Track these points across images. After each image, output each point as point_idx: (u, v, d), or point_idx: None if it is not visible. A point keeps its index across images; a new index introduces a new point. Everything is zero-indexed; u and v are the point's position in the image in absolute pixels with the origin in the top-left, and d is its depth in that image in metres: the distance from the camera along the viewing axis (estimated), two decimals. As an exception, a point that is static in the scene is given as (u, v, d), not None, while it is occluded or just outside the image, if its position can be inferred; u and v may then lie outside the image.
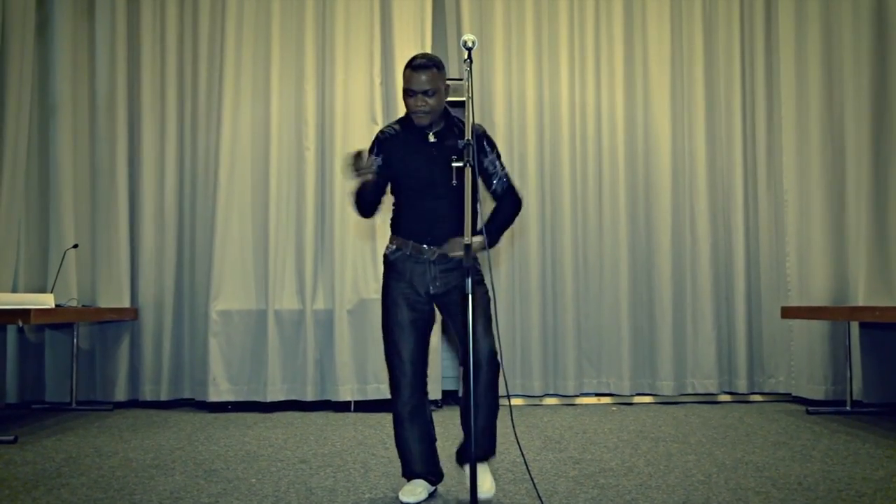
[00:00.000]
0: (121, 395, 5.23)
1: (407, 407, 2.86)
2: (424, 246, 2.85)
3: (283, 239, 5.22)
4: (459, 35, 5.40)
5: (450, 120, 2.94)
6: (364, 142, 5.03)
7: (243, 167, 5.24)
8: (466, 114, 2.51)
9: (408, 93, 2.80)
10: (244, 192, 5.24)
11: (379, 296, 4.72)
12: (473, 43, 2.62)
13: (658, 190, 5.50)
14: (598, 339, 5.46)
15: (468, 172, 2.46)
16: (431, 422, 2.94)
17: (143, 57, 5.34)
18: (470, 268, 2.36)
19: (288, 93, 5.29)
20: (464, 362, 2.49)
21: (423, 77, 2.77)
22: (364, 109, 5.27)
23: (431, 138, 2.85)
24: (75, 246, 5.17)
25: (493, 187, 2.93)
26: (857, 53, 5.00)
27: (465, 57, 2.60)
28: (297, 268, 5.21)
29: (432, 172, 2.79)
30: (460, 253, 2.51)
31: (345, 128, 5.26)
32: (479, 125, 2.96)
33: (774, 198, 5.55)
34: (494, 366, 2.79)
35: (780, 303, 5.39)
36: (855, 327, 5.00)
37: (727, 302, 5.52)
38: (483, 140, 2.93)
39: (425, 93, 2.77)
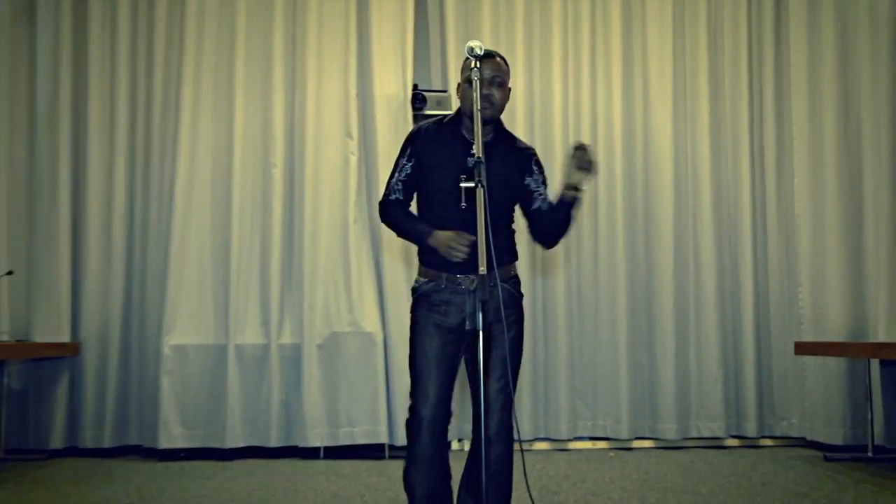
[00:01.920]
0: (57, 441, 4.97)
1: (425, 453, 2.66)
2: (459, 276, 2.70)
3: (246, 265, 5.06)
4: (443, 41, 5.30)
5: (501, 133, 2.84)
6: (337, 159, 5.09)
7: (202, 186, 5.08)
8: (475, 128, 2.41)
9: (469, 80, 2.63)
10: (203, 214, 5.07)
11: (353, 329, 4.96)
12: (481, 50, 2.53)
13: (658, 215, 5.41)
14: (594, 377, 5.33)
15: (480, 195, 2.31)
16: (449, 471, 2.76)
17: (91, 62, 5.16)
18: (487, 300, 2.27)
19: (254, 104, 5.15)
20: (474, 429, 2.38)
21: (493, 62, 2.68)
22: (338, 123, 5.13)
23: (475, 148, 2.66)
24: (9, 273, 4.91)
25: (536, 205, 2.83)
26: (875, 64, 4.96)
27: (473, 65, 2.51)
28: (261, 298, 5.05)
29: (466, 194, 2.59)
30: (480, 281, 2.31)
31: (316, 143, 5.12)
32: (532, 148, 2.92)
33: (785, 223, 5.48)
34: (510, 442, 2.66)
35: (793, 338, 5.29)
36: (875, 365, 4.90)
37: (734, 336, 5.42)
38: (532, 161, 2.86)
39: (492, 81, 2.67)
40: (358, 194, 5.06)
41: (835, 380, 5.10)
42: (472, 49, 2.50)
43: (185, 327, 4.95)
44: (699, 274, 5.39)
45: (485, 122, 2.65)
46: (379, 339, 4.96)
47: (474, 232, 2.44)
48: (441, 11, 5.35)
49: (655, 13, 5.50)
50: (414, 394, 2.69)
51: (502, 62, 2.76)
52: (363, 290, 5.02)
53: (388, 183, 2.85)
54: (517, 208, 2.89)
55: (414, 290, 2.83)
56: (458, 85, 2.83)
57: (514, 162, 2.83)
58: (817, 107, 5.30)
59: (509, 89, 2.80)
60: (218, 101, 5.13)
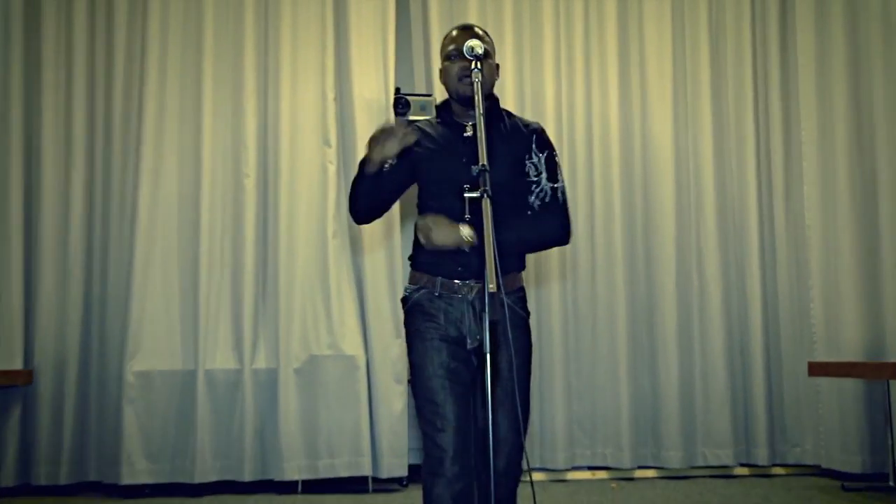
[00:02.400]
0: (8, 479, 4.66)
1: (453, 488, 2.36)
2: (457, 281, 2.48)
3: (217, 285, 4.81)
4: (427, 42, 5.06)
5: (496, 110, 2.63)
6: (314, 168, 4.85)
7: (168, 198, 4.83)
8: (479, 134, 2.22)
9: (450, 57, 2.53)
10: (169, 228, 4.82)
11: (333, 352, 4.71)
12: (483, 50, 2.40)
13: (659, 225, 5.21)
14: (592, 401, 5.10)
15: (486, 206, 2.08)
16: None
17: (45, 69, 4.87)
18: (497, 320, 2.09)
19: (223, 110, 4.89)
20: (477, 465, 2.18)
21: (474, 35, 2.51)
22: (315, 129, 4.89)
23: (468, 131, 2.47)
24: (-43, 294, 4.61)
25: (531, 202, 2.54)
26: (889, 66, 4.75)
27: (474, 66, 2.36)
28: (233, 319, 4.81)
29: (467, 178, 2.34)
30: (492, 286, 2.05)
31: (292, 151, 4.87)
32: (537, 123, 2.69)
33: (795, 234, 5.28)
34: (517, 475, 2.42)
35: (805, 357, 5.07)
36: (896, 387, 4.66)
37: (742, 356, 5.19)
38: (533, 137, 2.60)
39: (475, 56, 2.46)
40: (337, 206, 4.82)
41: (851, 403, 4.87)
42: (471, 49, 2.36)
43: (149, 352, 4.70)
44: (703, 289, 5.18)
45: (470, 101, 2.47)
46: (361, 362, 4.73)
47: (480, 241, 2.26)
48: (424, 10, 5.12)
49: (653, 12, 5.31)
50: (429, 422, 2.40)
51: (479, 35, 2.57)
52: (344, 310, 4.81)
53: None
54: None
55: (405, 301, 2.59)
56: (440, 70, 2.64)
57: (514, 141, 2.60)
58: (827, 111, 5.11)
59: (497, 65, 2.64)
60: (184, 108, 4.88)
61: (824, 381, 5.03)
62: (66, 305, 4.81)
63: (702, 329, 5.15)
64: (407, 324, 2.58)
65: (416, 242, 2.56)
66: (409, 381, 2.65)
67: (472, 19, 5.10)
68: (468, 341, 2.47)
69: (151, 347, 4.70)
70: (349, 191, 2.62)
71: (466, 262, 2.44)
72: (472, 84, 2.38)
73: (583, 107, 5.23)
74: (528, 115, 5.02)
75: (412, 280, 2.58)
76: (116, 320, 4.80)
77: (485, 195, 2.10)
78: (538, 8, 5.23)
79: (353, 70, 4.89)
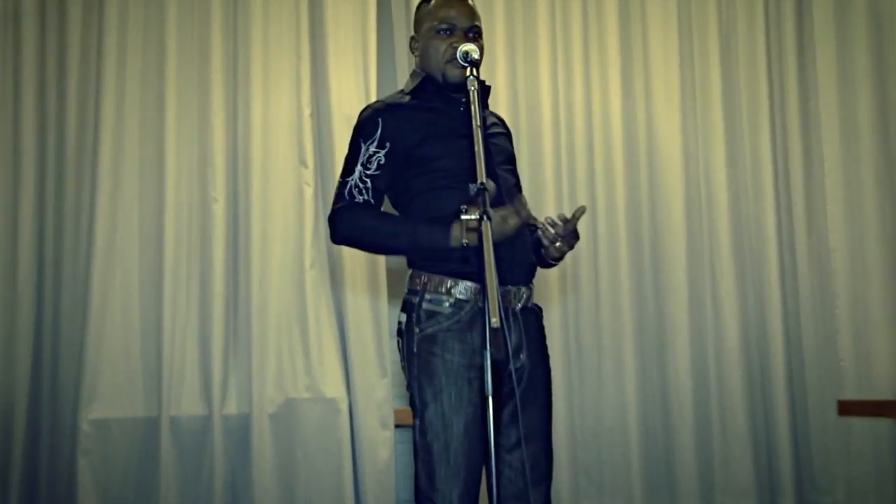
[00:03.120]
0: None
1: None
2: (463, 283, 2.37)
3: (182, 321, 4.54)
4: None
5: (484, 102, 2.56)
6: (289, 191, 4.59)
7: (128, 225, 4.56)
8: (476, 148, 2.07)
9: (440, 32, 2.43)
10: (129, 258, 4.55)
11: (311, 394, 4.48)
12: (480, 55, 2.31)
13: (669, 247, 4.95)
14: (598, 447, 4.82)
15: (487, 230, 1.91)
16: None
17: None
18: (502, 360, 2.04)
19: (189, 127, 4.64)
20: None
21: (468, 7, 2.45)
22: (289, 148, 4.64)
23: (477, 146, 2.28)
24: None
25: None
26: None
27: (469, 74, 2.23)
28: (200, 359, 4.54)
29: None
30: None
31: (264, 172, 4.62)
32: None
33: (818, 259, 5.00)
34: None
35: (834, 394, 4.80)
36: (937, 427, 4.43)
37: (764, 394, 4.89)
38: (511, 137, 2.67)
39: (469, 32, 2.43)
40: (315, 233, 4.55)
41: (886, 445, 4.65)
42: (466, 54, 2.26)
43: (107, 398, 4.44)
44: (718, 318, 4.91)
45: (459, 88, 2.37)
46: (343, 405, 4.49)
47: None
48: (407, 14, 4.83)
49: (658, 10, 5.06)
50: (431, 484, 2.28)
51: (472, 6, 2.49)
52: (323, 348, 4.56)
53: (344, 184, 2.43)
54: None
55: (410, 311, 2.38)
56: (413, 38, 2.54)
57: (505, 137, 2.61)
58: (851, 122, 4.88)
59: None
60: (145, 125, 4.63)
61: (856, 422, 4.79)
62: (12, 346, 4.53)
63: (718, 365, 4.89)
64: (419, 347, 2.38)
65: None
66: (413, 423, 2.48)
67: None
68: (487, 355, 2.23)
69: (109, 392, 4.45)
70: (360, 226, 2.41)
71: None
72: (464, 78, 2.24)
73: (582, 115, 4.96)
74: (524, 120, 4.87)
75: (416, 283, 2.40)
76: (70, 362, 4.53)
77: (484, 217, 1.93)
78: (531, 3, 4.98)
79: (331, 82, 4.66)
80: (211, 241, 4.55)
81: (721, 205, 4.98)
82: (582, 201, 4.88)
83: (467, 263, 2.33)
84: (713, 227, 4.99)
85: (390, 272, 4.56)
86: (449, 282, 2.35)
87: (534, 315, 2.56)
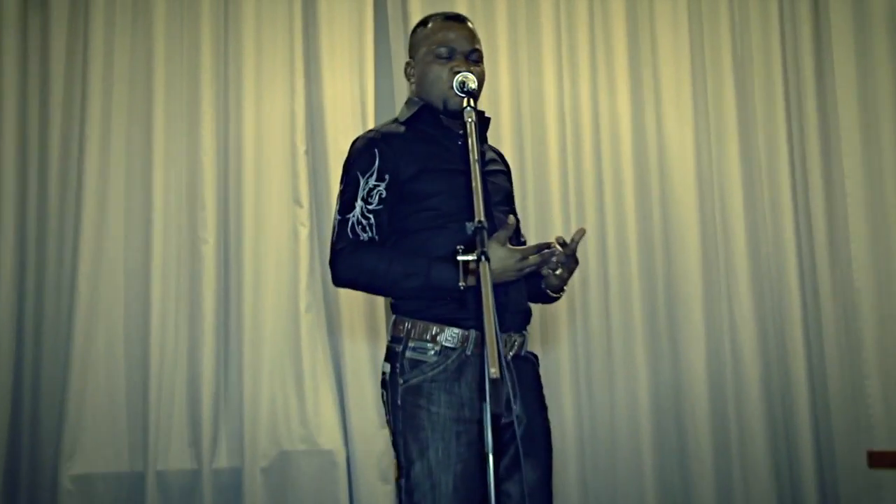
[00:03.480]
0: None
1: None
2: (457, 331, 2.23)
3: (170, 370, 4.39)
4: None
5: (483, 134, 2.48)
6: (283, 232, 4.46)
7: (113, 269, 4.42)
8: (474, 184, 1.95)
9: (438, 56, 2.34)
10: (113, 304, 4.40)
11: (307, 446, 4.29)
12: (478, 84, 2.29)
13: (683, 281, 4.78)
14: (613, 500, 4.62)
15: (485, 271, 1.77)
16: None
17: None
18: (502, 413, 2.03)
19: (176, 162, 4.53)
20: None
21: (468, 30, 2.38)
22: (284, 186, 4.51)
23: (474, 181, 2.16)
24: None
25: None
26: None
27: (465, 105, 2.15)
28: (189, 410, 4.39)
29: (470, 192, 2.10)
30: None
31: (257, 211, 4.47)
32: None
33: (843, 298, 4.82)
34: None
35: (863, 444, 4.58)
36: (977, 481, 4.20)
37: (788, 443, 4.69)
38: (509, 172, 2.58)
39: (470, 56, 2.35)
40: (310, 275, 4.41)
41: None
42: (462, 84, 2.21)
43: (90, 452, 4.29)
44: (738, 360, 4.71)
45: (459, 115, 2.23)
46: (341, 457, 4.33)
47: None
48: (405, 17, 4.69)
49: (667, 11, 4.91)
50: None
51: (472, 29, 2.41)
52: (319, 397, 4.42)
53: (344, 221, 2.29)
54: None
55: (394, 361, 2.29)
56: (409, 63, 2.43)
57: (505, 175, 2.53)
58: (874, 147, 4.74)
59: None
60: (131, 160, 4.50)
61: (887, 475, 4.58)
62: (-10, 398, 4.34)
63: (738, 409, 4.69)
64: (399, 397, 2.27)
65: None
66: (396, 480, 2.45)
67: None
68: (486, 410, 2.10)
69: (92, 446, 4.29)
70: (369, 267, 2.27)
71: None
72: (463, 108, 2.14)
73: (590, 123, 4.79)
74: (527, 125, 4.71)
75: (401, 331, 2.30)
76: (50, 413, 4.36)
77: (483, 258, 1.80)
78: (535, 4, 4.82)
79: (327, 117, 4.54)
80: (200, 284, 4.42)
81: (738, 242, 4.81)
82: (589, 214, 4.78)
83: (464, 307, 2.20)
84: (730, 268, 4.81)
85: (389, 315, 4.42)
86: (434, 328, 2.23)
87: (529, 364, 2.43)
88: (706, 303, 4.77)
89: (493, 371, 1.60)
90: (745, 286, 4.77)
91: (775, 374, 4.76)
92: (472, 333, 2.23)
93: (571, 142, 4.76)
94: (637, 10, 4.89)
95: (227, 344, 4.43)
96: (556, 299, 2.46)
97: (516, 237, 2.49)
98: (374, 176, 2.28)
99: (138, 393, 4.34)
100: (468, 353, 2.23)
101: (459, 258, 1.93)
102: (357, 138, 2.46)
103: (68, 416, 4.22)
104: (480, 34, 2.76)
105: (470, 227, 1.96)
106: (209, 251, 4.42)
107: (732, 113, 4.88)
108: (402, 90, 4.69)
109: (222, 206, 4.50)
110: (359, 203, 2.26)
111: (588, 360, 4.70)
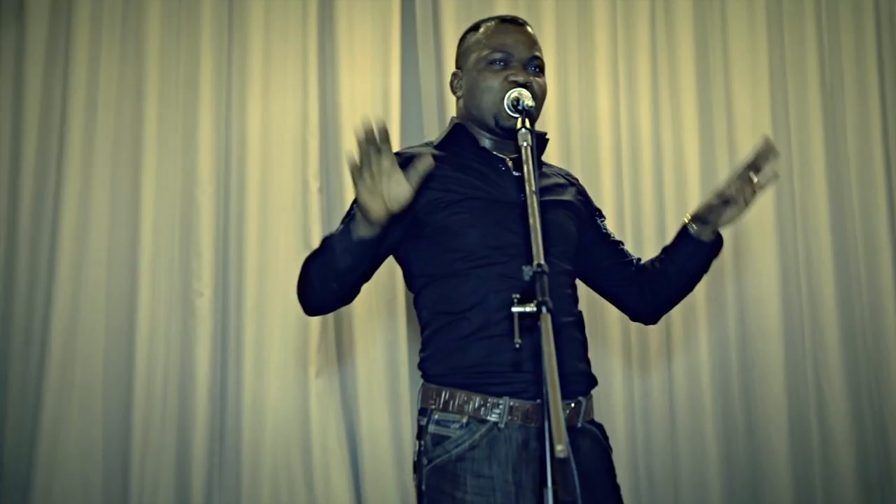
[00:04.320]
0: None
1: None
2: (504, 401, 1.99)
3: (157, 430, 3.97)
4: (441, 67, 4.11)
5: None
6: (289, 284, 3.92)
7: (93, 320, 3.98)
8: (531, 221, 1.74)
9: (492, 63, 2.13)
10: (91, 363, 3.97)
11: None
12: (538, 101, 2.09)
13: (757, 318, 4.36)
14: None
15: (546, 323, 1.54)
16: None
17: None
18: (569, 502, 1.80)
19: (168, 197, 4.12)
20: None
21: (527, 35, 2.18)
22: (293, 231, 4.08)
23: (510, 163, 2.17)
24: None
25: (625, 257, 2.38)
26: None
27: (520, 126, 1.90)
28: (177, 477, 3.95)
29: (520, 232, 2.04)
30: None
31: (261, 259, 4.05)
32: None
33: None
34: None
35: None
36: None
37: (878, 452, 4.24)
38: (577, 188, 2.34)
39: (529, 64, 2.14)
40: (323, 333, 3.97)
41: None
42: (517, 101, 2.01)
43: None
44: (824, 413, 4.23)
45: (513, 133, 1.99)
46: None
47: (567, 323, 2.06)
48: (435, 27, 4.19)
49: (741, 18, 4.39)
50: None
51: (534, 36, 2.20)
52: (329, 464, 4.02)
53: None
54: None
55: (420, 437, 2.03)
56: (456, 75, 2.25)
57: (564, 199, 2.25)
58: None
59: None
60: (117, 192, 4.07)
61: None
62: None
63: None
64: (428, 485, 2.01)
65: (435, 334, 2.10)
66: None
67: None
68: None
69: None
70: (307, 267, 2.11)
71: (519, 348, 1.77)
72: (517, 130, 1.90)
73: (650, 143, 4.31)
74: (576, 142, 4.26)
75: (435, 401, 2.04)
76: (18, 467, 3.94)
77: (543, 308, 1.58)
78: (588, 8, 4.35)
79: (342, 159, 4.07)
80: (194, 340, 3.99)
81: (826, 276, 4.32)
82: (648, 252, 4.36)
83: (520, 370, 1.97)
84: (815, 311, 4.32)
85: (413, 375, 3.89)
86: (461, 395, 1.99)
87: (592, 437, 2.12)
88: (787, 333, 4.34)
89: (559, 449, 1.37)
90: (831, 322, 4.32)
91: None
92: (506, 401, 1.98)
93: (628, 167, 4.30)
94: (705, 17, 4.38)
95: (223, 402, 3.98)
96: (713, 247, 2.25)
97: (614, 250, 2.39)
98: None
99: (118, 456, 3.92)
100: (501, 426, 1.98)
101: (514, 309, 1.64)
102: None
103: (37, 470, 3.78)
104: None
105: (528, 271, 1.70)
106: (204, 305, 4.03)
107: (820, 148, 4.39)
108: (429, 96, 4.22)
109: (221, 256, 4.11)
110: (341, 226, 2.04)
111: (645, 392, 4.27)
